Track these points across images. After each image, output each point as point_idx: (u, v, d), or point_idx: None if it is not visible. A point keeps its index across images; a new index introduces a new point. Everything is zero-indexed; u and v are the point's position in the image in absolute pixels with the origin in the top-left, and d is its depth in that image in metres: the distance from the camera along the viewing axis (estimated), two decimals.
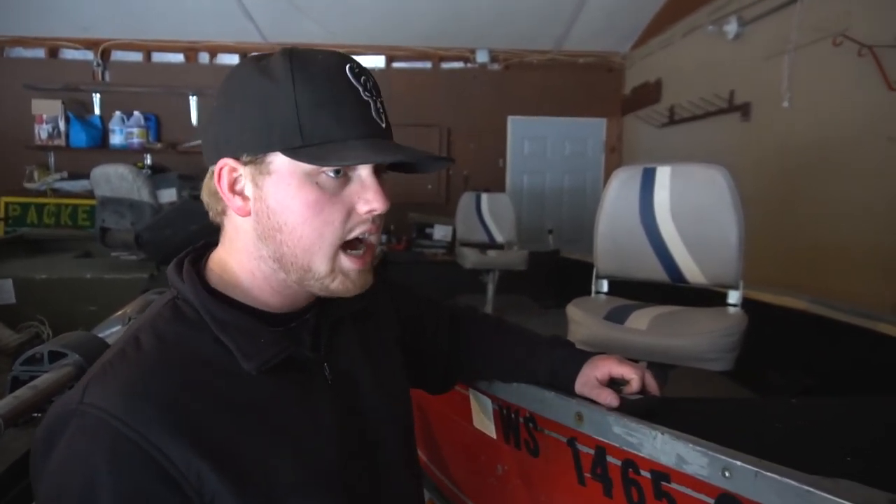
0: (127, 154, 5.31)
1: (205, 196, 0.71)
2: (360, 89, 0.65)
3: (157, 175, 3.88)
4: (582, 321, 1.69)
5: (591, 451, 0.89)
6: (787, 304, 2.26)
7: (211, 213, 0.72)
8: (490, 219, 4.51)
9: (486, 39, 5.58)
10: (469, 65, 5.77)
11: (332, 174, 0.64)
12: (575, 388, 0.93)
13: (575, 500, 0.94)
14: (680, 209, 1.74)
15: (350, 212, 0.66)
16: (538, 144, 5.92)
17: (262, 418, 0.64)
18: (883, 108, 2.75)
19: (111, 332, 1.37)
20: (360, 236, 0.68)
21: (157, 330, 0.65)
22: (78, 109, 5.43)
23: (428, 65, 5.77)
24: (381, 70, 5.64)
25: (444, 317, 1.04)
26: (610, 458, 0.86)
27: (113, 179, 3.39)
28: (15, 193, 5.24)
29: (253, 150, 0.64)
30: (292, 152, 0.63)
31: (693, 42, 4.47)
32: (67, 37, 5.34)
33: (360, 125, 0.64)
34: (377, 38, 5.45)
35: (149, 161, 5.35)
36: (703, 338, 1.54)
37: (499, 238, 4.49)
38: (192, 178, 3.64)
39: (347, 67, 0.65)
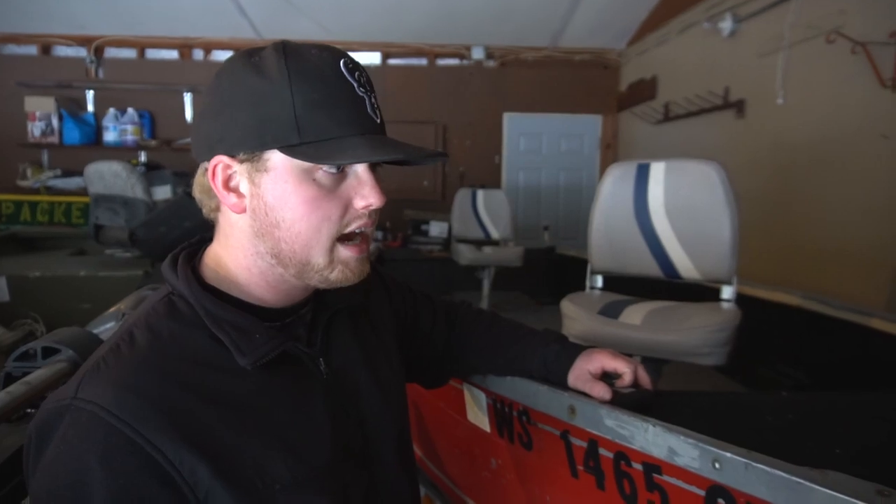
0: (121, 151, 5.29)
1: (197, 192, 0.71)
2: (355, 85, 0.65)
3: (152, 172, 3.88)
4: (576, 316, 1.70)
5: (584, 444, 0.89)
6: (780, 299, 2.27)
7: (204, 210, 0.72)
8: (486, 215, 4.52)
9: (482, 36, 5.58)
10: (465, 62, 5.77)
11: (329, 170, 0.64)
12: (568, 381, 0.93)
13: (568, 492, 0.95)
14: (674, 205, 1.74)
15: (347, 207, 0.67)
16: (534, 141, 5.92)
17: (256, 414, 0.64)
18: (876, 105, 2.76)
19: (105, 328, 1.37)
20: (357, 230, 0.68)
21: (151, 326, 0.65)
22: (71, 107, 5.40)
23: (423, 61, 5.76)
24: (376, 67, 5.63)
25: (439, 311, 1.04)
26: (602, 451, 0.87)
27: (107, 177, 3.38)
28: (8, 191, 5.22)
29: (249, 147, 0.64)
30: (290, 150, 0.63)
31: (688, 39, 4.47)
32: (60, 34, 5.31)
33: (356, 122, 0.64)
34: (372, 35, 5.44)
35: (143, 158, 5.34)
36: (697, 333, 1.55)
37: (494, 234, 4.49)
38: (187, 175, 3.64)
39: (342, 63, 0.65)
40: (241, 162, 0.65)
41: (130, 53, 5.52)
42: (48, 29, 5.25)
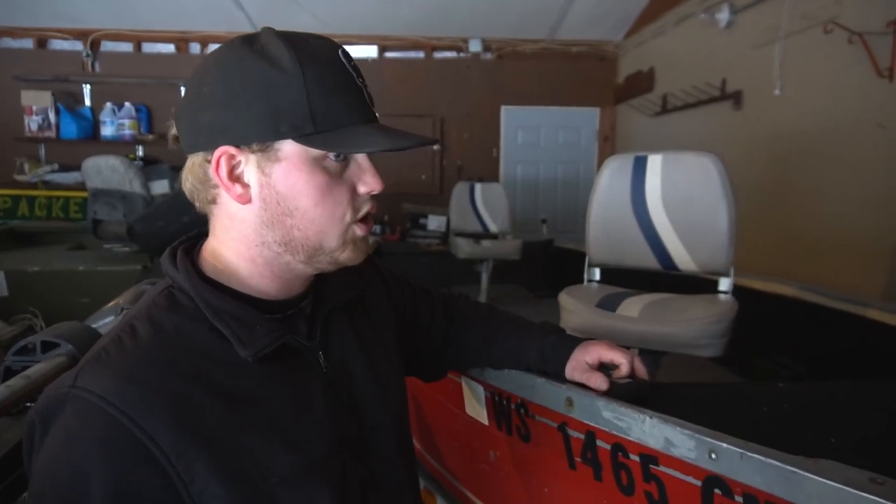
0: (118, 146, 5.27)
1: (188, 185, 0.70)
2: (354, 74, 0.67)
3: (149, 166, 3.87)
4: (574, 309, 1.70)
5: (582, 436, 0.90)
6: (777, 290, 2.28)
7: (197, 204, 0.71)
8: (484, 209, 4.51)
9: (479, 29, 5.56)
10: (462, 54, 5.75)
11: (335, 158, 0.66)
12: (565, 373, 0.94)
13: (566, 484, 0.95)
14: (671, 197, 1.74)
15: (353, 192, 0.69)
16: (532, 134, 5.91)
17: (256, 407, 0.64)
18: (873, 96, 2.77)
19: (104, 322, 1.37)
20: (365, 215, 0.71)
21: (152, 318, 0.65)
22: (68, 101, 5.38)
23: (421, 54, 5.75)
24: (373, 60, 5.61)
25: (437, 305, 1.04)
26: (600, 443, 0.87)
27: (104, 171, 3.37)
28: (5, 186, 5.21)
29: (261, 138, 0.64)
30: (306, 139, 0.63)
31: (685, 30, 4.46)
32: (56, 27, 5.29)
33: (361, 111, 0.67)
34: (369, 28, 5.41)
35: (140, 153, 5.32)
36: (694, 324, 1.55)
37: (493, 228, 4.49)
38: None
39: (340, 52, 0.67)
40: (253, 152, 0.65)
41: (127, 47, 5.49)
42: (44, 22, 5.23)
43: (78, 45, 5.38)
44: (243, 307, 0.67)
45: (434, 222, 5.28)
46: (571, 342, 0.96)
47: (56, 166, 5.30)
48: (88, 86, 5.44)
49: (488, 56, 5.76)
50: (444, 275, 4.36)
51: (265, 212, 0.67)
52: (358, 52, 5.47)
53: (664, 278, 1.89)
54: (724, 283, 1.74)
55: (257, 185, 0.66)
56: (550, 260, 4.55)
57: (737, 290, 1.74)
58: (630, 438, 0.82)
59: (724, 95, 3.92)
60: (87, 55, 5.38)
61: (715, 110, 4.05)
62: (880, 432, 0.89)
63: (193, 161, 0.68)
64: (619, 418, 0.83)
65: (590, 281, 1.96)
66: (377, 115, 0.70)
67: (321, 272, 0.73)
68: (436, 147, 5.73)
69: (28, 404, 0.97)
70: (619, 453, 0.85)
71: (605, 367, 0.92)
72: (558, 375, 0.95)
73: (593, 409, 0.87)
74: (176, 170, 3.76)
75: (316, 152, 0.65)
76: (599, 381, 0.88)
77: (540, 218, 5.39)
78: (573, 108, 5.87)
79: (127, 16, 5.17)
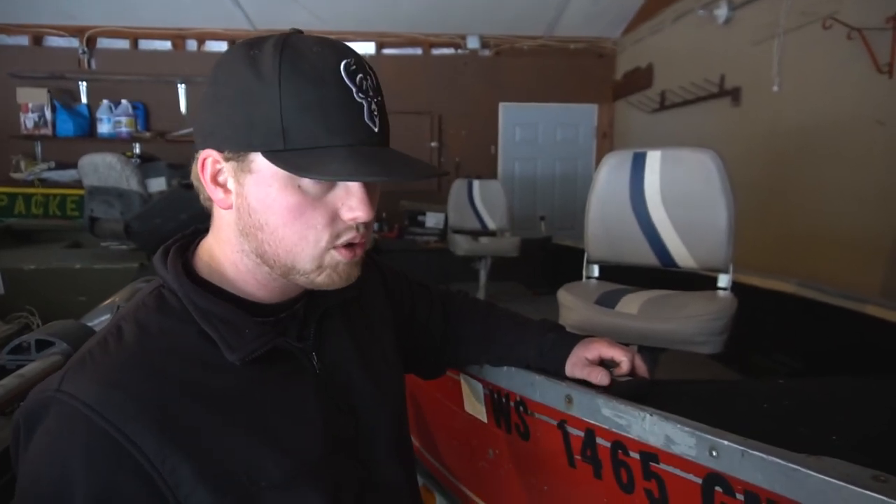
0: (115, 143, 5.25)
1: (195, 181, 0.69)
2: (354, 90, 0.61)
3: (146, 164, 3.85)
4: (573, 306, 1.70)
5: (581, 434, 0.89)
6: (776, 287, 2.28)
7: (202, 198, 0.70)
8: (482, 206, 4.51)
9: (477, 25, 5.54)
10: (460, 51, 5.74)
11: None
12: (566, 369, 0.93)
13: (565, 482, 0.95)
14: (670, 193, 1.74)
15: (334, 217, 0.64)
16: (529, 131, 5.90)
17: (245, 412, 0.63)
18: (872, 92, 2.76)
19: (100, 321, 1.37)
20: (346, 243, 0.66)
21: (139, 320, 0.64)
22: (64, 98, 5.36)
23: (418, 51, 5.73)
24: (371, 57, 5.59)
25: (435, 301, 1.03)
26: (599, 440, 0.87)
27: (101, 168, 3.36)
28: (2, 184, 5.19)
29: (234, 146, 0.62)
30: (272, 156, 0.60)
31: (684, 27, 4.46)
32: (52, 24, 5.26)
33: (348, 132, 0.61)
34: (367, 25, 5.40)
35: (138, 150, 5.31)
36: (693, 321, 1.55)
37: (491, 225, 4.49)
38: (182, 167, 3.62)
39: (343, 65, 0.61)
40: (228, 160, 0.63)
41: (123, 44, 5.47)
42: (39, 19, 5.20)
43: (74, 42, 5.35)
44: (232, 310, 0.65)
45: (432, 219, 5.27)
46: (571, 339, 0.95)
47: (52, 164, 5.28)
48: (85, 83, 5.42)
49: (486, 53, 5.74)
50: (443, 272, 4.36)
51: (240, 221, 0.65)
52: (355, 48, 5.42)
53: (663, 275, 1.88)
54: (724, 280, 1.73)
55: (234, 192, 0.64)
56: (549, 257, 4.55)
57: (735, 287, 1.73)
58: (630, 436, 0.81)
59: (722, 92, 3.92)
60: (84, 52, 5.35)
61: (713, 107, 4.05)
62: (882, 429, 0.88)
63: (196, 158, 0.68)
64: (618, 416, 0.83)
65: (588, 278, 1.95)
66: (379, 132, 0.64)
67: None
68: (433, 144, 5.72)
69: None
70: (619, 451, 0.84)
71: (605, 365, 0.92)
72: (558, 373, 0.94)
73: (593, 407, 0.86)
74: (173, 167, 3.75)
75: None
76: (601, 377, 0.87)
77: (538, 215, 5.38)
78: (571, 105, 5.86)
79: (123, 12, 5.15)
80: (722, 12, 3.83)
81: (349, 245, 0.66)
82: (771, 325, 2.33)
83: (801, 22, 3.16)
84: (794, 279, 2.25)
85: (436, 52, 5.76)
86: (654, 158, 1.76)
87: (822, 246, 3.07)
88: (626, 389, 0.87)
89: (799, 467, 0.63)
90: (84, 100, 5.44)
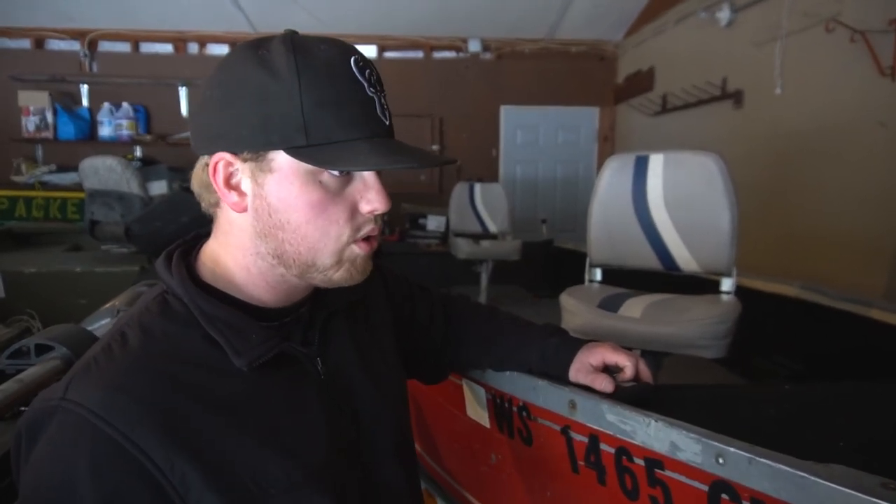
0: (116, 146, 5.25)
1: (196, 186, 0.69)
2: (366, 84, 0.63)
3: (147, 167, 3.86)
4: (575, 310, 1.69)
5: (585, 440, 0.89)
6: (779, 290, 2.27)
7: (203, 204, 0.70)
8: (483, 209, 4.50)
9: (478, 28, 5.54)
10: (461, 54, 5.74)
11: (335, 173, 0.63)
12: (569, 375, 0.92)
13: (569, 488, 0.94)
14: (673, 197, 1.73)
15: (353, 210, 0.65)
16: (531, 134, 5.90)
17: (251, 416, 0.63)
18: (875, 94, 2.75)
19: (100, 324, 1.36)
20: (366, 236, 0.67)
21: (143, 325, 0.63)
22: (65, 101, 5.36)
23: (419, 54, 5.73)
24: (372, 60, 5.58)
25: (437, 304, 1.03)
26: (603, 446, 0.86)
27: (101, 172, 3.36)
28: (2, 187, 5.19)
29: (253, 146, 0.61)
30: (295, 152, 0.60)
31: (685, 29, 4.45)
32: (53, 27, 5.27)
33: (365, 125, 0.62)
34: (368, 28, 5.40)
35: (138, 153, 5.31)
36: (697, 325, 1.54)
37: (492, 228, 4.48)
38: (183, 170, 3.62)
39: (352, 61, 0.63)
40: (245, 161, 0.63)
41: (124, 47, 5.47)
42: (41, 22, 5.20)
43: (75, 45, 5.36)
44: (238, 314, 0.65)
45: (433, 222, 5.26)
46: (575, 344, 0.95)
47: (53, 167, 5.28)
48: (86, 86, 5.42)
49: (487, 56, 5.74)
50: (444, 275, 4.35)
51: (258, 222, 0.65)
52: None
53: (666, 278, 1.87)
54: (727, 284, 1.72)
55: (251, 194, 0.64)
56: (550, 260, 4.54)
57: (738, 290, 1.72)
58: (635, 442, 0.80)
59: (724, 94, 3.91)
60: (85, 55, 5.36)
61: (715, 109, 4.04)
62: (890, 435, 0.87)
63: (199, 163, 0.67)
64: (623, 421, 0.82)
65: (591, 281, 1.94)
66: (389, 125, 0.66)
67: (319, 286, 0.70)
68: (435, 147, 5.72)
69: (22, 408, 0.96)
70: (624, 457, 0.83)
71: (609, 371, 0.91)
72: (561, 378, 0.93)
73: (597, 412, 0.85)
74: (174, 170, 3.75)
75: (310, 166, 0.61)
76: (605, 383, 0.87)
77: (539, 218, 5.37)
78: (572, 108, 5.86)
79: (124, 15, 5.16)
80: (724, 15, 3.82)
81: (367, 238, 0.67)
82: (774, 328, 2.32)
83: (804, 24, 3.15)
84: (797, 282, 2.24)
85: (437, 55, 5.76)
86: (656, 161, 1.75)
87: (824, 247, 3.06)
88: (629, 395, 0.86)
89: (807, 475, 0.62)
90: (85, 103, 5.44)
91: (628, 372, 0.90)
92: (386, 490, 0.77)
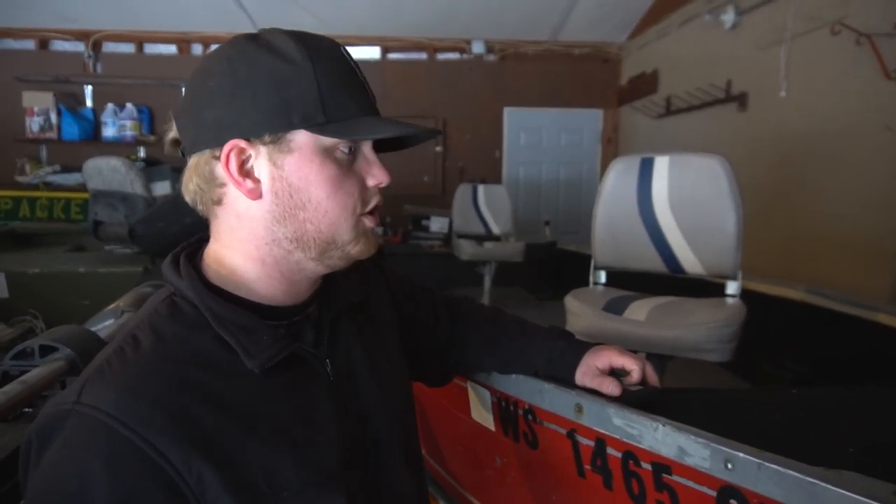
0: (120, 147, 5.26)
1: (192, 186, 0.68)
2: (357, 70, 0.69)
3: (151, 168, 3.85)
4: (580, 312, 1.68)
5: (591, 444, 0.88)
6: (784, 294, 2.26)
7: (200, 206, 0.69)
8: (486, 210, 4.50)
9: (482, 30, 5.54)
10: (464, 56, 5.74)
11: (345, 151, 0.67)
12: (576, 378, 0.92)
13: (574, 492, 0.93)
14: (678, 199, 1.73)
15: (363, 184, 0.69)
16: (534, 135, 5.90)
17: (262, 419, 0.62)
18: (881, 97, 2.74)
19: (104, 325, 1.36)
20: (373, 208, 0.71)
21: (155, 328, 0.63)
22: (69, 102, 5.38)
23: (423, 56, 5.73)
24: (375, 61, 5.60)
25: (440, 305, 1.02)
26: (610, 450, 0.85)
27: (105, 172, 3.36)
28: (6, 187, 5.19)
29: (273, 128, 0.63)
30: (319, 129, 0.64)
31: (690, 32, 4.45)
32: (58, 28, 5.28)
33: (366, 102, 0.68)
34: (372, 29, 5.40)
35: (142, 154, 5.32)
36: (702, 328, 1.53)
37: (495, 229, 4.48)
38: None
39: (342, 49, 0.69)
40: (264, 144, 0.64)
41: (128, 48, 5.49)
42: (45, 23, 5.22)
43: (79, 46, 5.37)
44: (248, 316, 0.65)
45: (436, 224, 5.25)
46: (581, 347, 0.94)
47: (57, 167, 5.29)
48: (90, 87, 5.43)
49: (491, 57, 5.74)
50: (447, 277, 4.34)
51: (276, 206, 0.66)
52: (360, 53, 5.46)
53: (671, 281, 1.87)
54: (732, 287, 1.72)
55: (269, 178, 0.65)
56: (553, 262, 4.53)
57: (743, 294, 1.72)
58: (642, 446, 0.80)
59: (729, 97, 3.90)
60: (89, 56, 5.37)
61: (720, 112, 4.03)
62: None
63: (198, 160, 0.66)
64: (630, 425, 0.81)
65: (596, 284, 1.94)
66: (375, 104, 0.72)
67: (331, 270, 0.72)
68: (438, 148, 5.72)
69: (26, 409, 0.95)
70: (631, 461, 0.83)
71: (615, 374, 0.90)
72: (567, 381, 0.93)
73: (603, 416, 0.85)
74: (177, 171, 3.74)
75: (327, 143, 0.65)
76: (612, 387, 0.86)
77: (542, 220, 5.37)
78: (576, 110, 5.86)
79: (128, 17, 5.17)
80: (728, 17, 3.81)
81: (372, 211, 0.71)
82: (779, 332, 2.31)
83: (809, 27, 3.14)
84: (802, 286, 2.23)
85: (440, 56, 5.76)
86: (662, 164, 1.75)
87: (828, 250, 3.05)
88: (637, 398, 0.86)
89: (818, 481, 0.61)
90: (89, 103, 5.45)
91: (635, 375, 0.89)
92: (391, 491, 0.77)
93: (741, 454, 0.68)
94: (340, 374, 0.73)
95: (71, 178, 5.15)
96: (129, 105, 5.37)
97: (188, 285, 0.65)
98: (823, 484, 0.61)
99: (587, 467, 0.90)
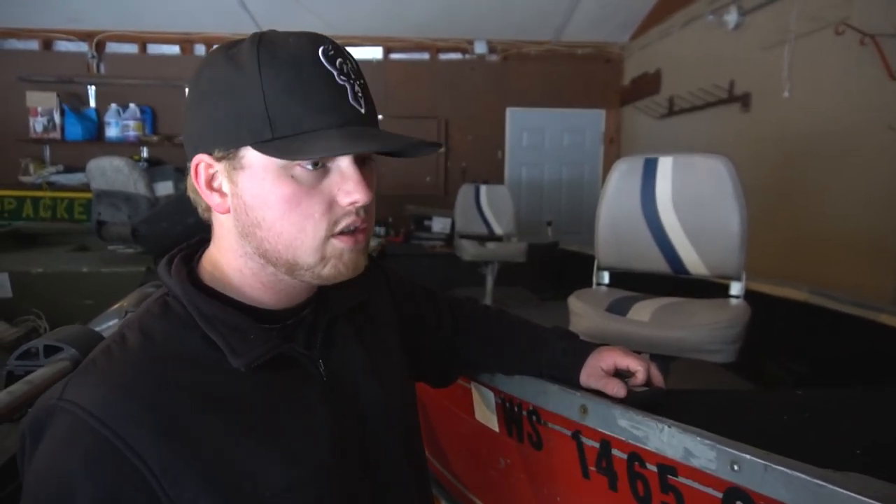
0: (123, 147, 5.27)
1: (191, 192, 0.69)
2: (335, 73, 0.61)
3: (154, 168, 3.86)
4: (584, 313, 1.68)
5: (596, 445, 0.88)
6: (788, 295, 2.26)
7: (200, 210, 0.70)
8: (489, 210, 4.50)
9: (484, 30, 5.54)
10: (467, 56, 5.74)
11: (308, 166, 0.61)
12: (580, 379, 0.91)
13: (579, 493, 0.93)
14: (682, 200, 1.72)
15: (331, 204, 0.63)
16: (536, 136, 5.90)
17: (250, 419, 0.62)
18: (885, 98, 2.74)
19: (107, 325, 1.36)
20: (346, 229, 0.64)
21: (144, 327, 0.63)
22: (73, 102, 5.39)
23: (425, 56, 5.73)
24: (378, 61, 5.60)
25: (443, 306, 1.02)
26: (615, 452, 0.85)
27: (108, 172, 3.37)
28: (10, 187, 5.21)
29: (224, 144, 0.61)
30: (262, 146, 0.59)
31: (693, 32, 4.44)
32: (61, 28, 5.29)
33: (333, 112, 0.60)
34: (374, 30, 5.41)
35: (145, 154, 5.33)
36: (706, 329, 1.53)
37: (498, 230, 4.47)
38: (189, 171, 3.62)
39: (321, 50, 0.61)
40: (220, 160, 0.62)
41: (131, 48, 5.50)
42: (49, 24, 5.23)
43: (83, 47, 5.38)
44: (236, 315, 0.64)
45: (438, 224, 5.26)
46: (585, 348, 0.94)
47: (61, 167, 5.31)
48: (93, 87, 5.45)
49: (493, 58, 5.74)
50: (449, 277, 4.34)
51: (238, 222, 0.64)
52: (362, 53, 5.46)
53: (674, 282, 1.86)
54: (736, 288, 1.71)
55: (229, 194, 0.64)
56: (555, 262, 4.53)
57: (747, 294, 1.71)
58: (647, 448, 0.80)
59: (732, 97, 3.90)
60: (92, 56, 5.38)
61: (723, 112, 4.03)
62: None
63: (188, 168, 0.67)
64: (635, 427, 0.81)
65: (599, 284, 1.93)
66: (366, 113, 0.63)
67: (320, 283, 0.69)
68: (441, 149, 5.72)
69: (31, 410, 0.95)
70: (636, 463, 0.82)
71: (620, 375, 0.90)
72: (571, 382, 0.93)
73: (609, 417, 0.85)
74: (180, 171, 3.76)
75: (281, 161, 0.60)
76: (617, 388, 0.86)
77: (545, 220, 5.36)
78: (578, 111, 5.86)
79: (132, 17, 5.18)
80: (732, 17, 3.81)
81: (350, 232, 0.64)
82: (783, 333, 2.30)
83: (812, 27, 3.14)
84: (806, 286, 2.23)
85: (443, 56, 5.76)
86: (665, 164, 1.75)
87: (831, 250, 3.05)
88: (642, 399, 0.85)
89: (826, 483, 0.61)
90: (92, 104, 5.46)
91: (640, 376, 0.89)
92: (394, 491, 0.76)
93: (748, 456, 0.68)
94: (335, 375, 0.72)
95: (74, 178, 5.17)
96: (132, 105, 5.38)
97: (176, 283, 0.65)
98: (831, 486, 0.61)
99: (592, 469, 0.90)
